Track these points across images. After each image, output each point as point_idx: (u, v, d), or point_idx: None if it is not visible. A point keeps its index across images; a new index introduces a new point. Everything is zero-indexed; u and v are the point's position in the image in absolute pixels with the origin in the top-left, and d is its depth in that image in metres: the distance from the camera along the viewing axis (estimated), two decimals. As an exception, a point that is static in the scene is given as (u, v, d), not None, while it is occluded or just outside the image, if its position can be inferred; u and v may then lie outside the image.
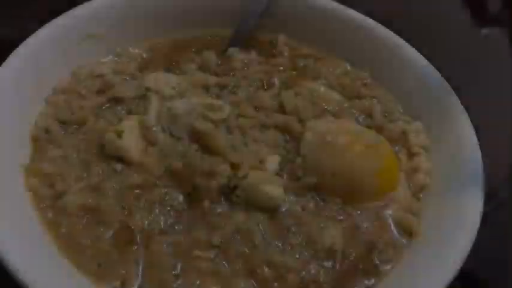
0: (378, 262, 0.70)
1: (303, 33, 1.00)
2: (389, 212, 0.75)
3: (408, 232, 0.74)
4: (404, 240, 0.73)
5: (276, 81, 0.91)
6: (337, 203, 0.74)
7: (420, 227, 0.74)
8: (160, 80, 0.85)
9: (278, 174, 0.76)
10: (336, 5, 0.98)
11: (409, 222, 0.74)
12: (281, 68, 0.95)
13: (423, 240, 0.72)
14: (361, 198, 0.75)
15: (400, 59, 0.91)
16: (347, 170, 0.73)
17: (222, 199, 0.73)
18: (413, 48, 0.91)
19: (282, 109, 0.84)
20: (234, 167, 0.74)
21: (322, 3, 0.98)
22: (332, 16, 0.97)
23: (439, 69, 0.88)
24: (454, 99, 0.83)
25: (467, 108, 0.82)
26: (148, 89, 0.84)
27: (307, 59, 0.98)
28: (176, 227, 0.70)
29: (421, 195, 0.78)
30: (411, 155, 0.82)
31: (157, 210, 0.71)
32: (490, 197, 0.73)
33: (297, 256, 0.68)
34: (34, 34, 0.82)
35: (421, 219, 0.75)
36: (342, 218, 0.73)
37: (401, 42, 0.92)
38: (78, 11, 0.87)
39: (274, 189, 0.72)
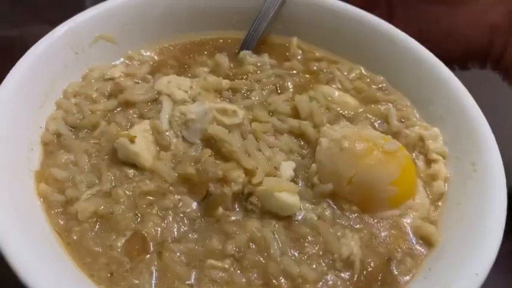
0: (396, 273, 0.68)
1: (316, 36, 0.98)
2: (407, 220, 0.73)
3: (427, 241, 0.72)
4: (423, 250, 0.71)
5: (290, 85, 0.89)
6: (354, 211, 0.72)
7: (439, 235, 0.72)
8: (172, 84, 0.83)
9: (293, 180, 0.74)
10: (350, 7, 0.96)
11: (428, 230, 0.72)
12: (294, 71, 0.93)
13: (443, 250, 0.70)
14: (378, 206, 0.73)
15: (416, 63, 0.88)
16: (364, 177, 0.71)
17: (237, 206, 0.72)
18: (430, 52, 0.89)
19: (296, 113, 0.82)
20: (248, 173, 0.72)
21: (336, 5, 0.96)
22: (346, 19, 0.95)
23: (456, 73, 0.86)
24: (473, 104, 0.80)
25: (486, 112, 0.80)
26: (160, 93, 0.82)
27: (321, 62, 0.96)
28: (190, 235, 0.68)
29: (439, 203, 0.76)
30: (429, 161, 0.80)
31: (170, 218, 0.69)
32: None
33: (314, 266, 0.66)
34: (44, 37, 0.80)
35: (440, 228, 0.73)
36: (359, 226, 0.71)
37: (417, 45, 0.89)
38: (89, 12, 0.86)
39: (289, 197, 0.70)
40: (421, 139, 0.82)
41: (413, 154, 0.81)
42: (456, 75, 0.85)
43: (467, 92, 0.82)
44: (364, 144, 0.73)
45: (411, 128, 0.84)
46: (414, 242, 0.72)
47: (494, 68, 0.96)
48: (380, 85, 0.92)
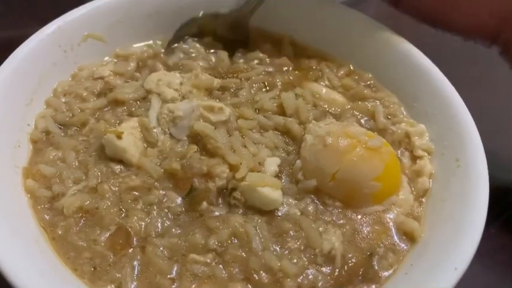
0: (377, 268, 0.68)
1: (308, 34, 0.97)
2: (390, 216, 0.73)
3: (410, 237, 0.72)
4: (405, 246, 0.71)
5: (278, 82, 0.89)
6: (337, 207, 0.72)
7: (422, 232, 0.71)
8: (162, 82, 0.83)
9: (277, 176, 0.74)
10: (342, 6, 0.95)
11: (411, 226, 0.71)
12: (285, 68, 0.93)
13: (425, 245, 0.69)
14: (361, 202, 0.72)
15: (404, 60, 0.87)
16: (347, 173, 0.71)
17: (220, 201, 0.72)
18: (419, 50, 0.88)
19: (282, 111, 0.82)
20: (233, 168, 0.72)
21: (328, 4, 0.96)
22: (337, 17, 0.95)
23: (446, 71, 0.85)
24: (459, 102, 0.80)
25: (474, 111, 0.79)
26: (149, 91, 0.83)
27: (311, 59, 0.95)
28: (173, 230, 0.69)
29: (423, 200, 0.76)
30: (414, 158, 0.80)
31: (155, 213, 0.70)
32: (498, 201, 0.71)
33: (295, 261, 0.66)
34: (33, 35, 0.81)
35: (423, 224, 0.73)
36: (341, 222, 0.71)
37: (406, 44, 0.88)
38: (78, 11, 0.86)
39: (272, 192, 0.70)
40: (407, 136, 0.82)
41: (399, 151, 0.81)
42: (444, 73, 0.84)
43: (454, 89, 0.81)
44: (348, 140, 0.73)
45: (397, 125, 0.83)
46: (397, 237, 0.71)
47: (501, 54, 0.91)
48: (368, 82, 0.91)
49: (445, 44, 0.93)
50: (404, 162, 0.80)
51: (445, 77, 0.84)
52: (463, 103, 0.80)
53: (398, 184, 0.75)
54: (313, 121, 0.80)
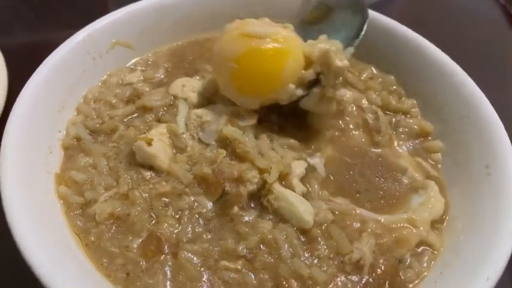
0: (404, 277, 0.65)
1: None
2: (417, 224, 0.69)
3: (433, 247, 0.69)
4: (431, 254, 0.68)
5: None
6: (367, 212, 0.69)
7: (442, 246, 0.69)
8: (187, 87, 0.81)
9: (303, 179, 0.71)
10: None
11: (432, 237, 0.69)
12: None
13: (455, 254, 0.66)
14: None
15: (429, 64, 0.84)
16: None
17: (252, 206, 0.69)
18: (444, 54, 0.83)
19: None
20: (263, 172, 0.69)
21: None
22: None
23: (474, 70, 0.81)
24: (488, 106, 0.75)
25: (502, 112, 0.75)
26: (175, 97, 0.80)
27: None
28: (204, 236, 0.66)
29: (450, 210, 0.72)
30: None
31: (185, 218, 0.67)
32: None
33: (324, 268, 0.63)
34: (63, 43, 0.79)
35: (451, 232, 0.70)
36: (370, 230, 0.67)
37: (431, 47, 0.85)
38: (107, 19, 0.84)
39: (307, 214, 0.66)
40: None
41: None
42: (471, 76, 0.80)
43: (482, 94, 0.77)
44: None
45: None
46: (423, 245, 0.68)
47: None
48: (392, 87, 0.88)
49: (469, 47, 0.89)
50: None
51: (472, 80, 0.79)
52: (491, 107, 0.75)
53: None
54: None
